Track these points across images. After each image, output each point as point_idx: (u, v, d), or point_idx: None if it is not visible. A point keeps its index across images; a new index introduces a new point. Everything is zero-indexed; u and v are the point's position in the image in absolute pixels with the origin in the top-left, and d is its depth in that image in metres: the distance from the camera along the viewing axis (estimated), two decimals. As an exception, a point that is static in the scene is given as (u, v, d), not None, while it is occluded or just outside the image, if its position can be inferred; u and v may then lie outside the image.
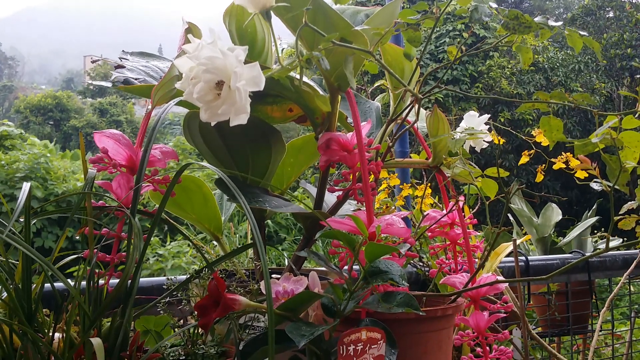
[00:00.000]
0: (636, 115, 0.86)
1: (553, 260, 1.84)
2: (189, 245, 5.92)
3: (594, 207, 2.80)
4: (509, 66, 12.12)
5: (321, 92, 0.99)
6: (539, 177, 1.30)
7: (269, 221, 7.10)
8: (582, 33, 0.90)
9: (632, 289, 2.13)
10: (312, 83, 0.99)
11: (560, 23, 0.91)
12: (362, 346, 0.77)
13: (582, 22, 13.64)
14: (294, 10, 0.86)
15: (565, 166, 1.30)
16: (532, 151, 1.29)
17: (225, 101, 0.74)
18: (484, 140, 1.12)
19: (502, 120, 10.96)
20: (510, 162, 10.94)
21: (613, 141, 0.83)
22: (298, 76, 0.86)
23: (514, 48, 0.96)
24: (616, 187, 0.90)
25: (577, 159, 1.08)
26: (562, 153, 1.35)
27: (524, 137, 1.31)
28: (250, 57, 0.84)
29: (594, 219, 2.63)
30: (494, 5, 0.94)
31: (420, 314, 0.79)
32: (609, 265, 1.94)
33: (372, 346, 0.78)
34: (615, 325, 2.57)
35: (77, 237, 0.87)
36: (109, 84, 1.06)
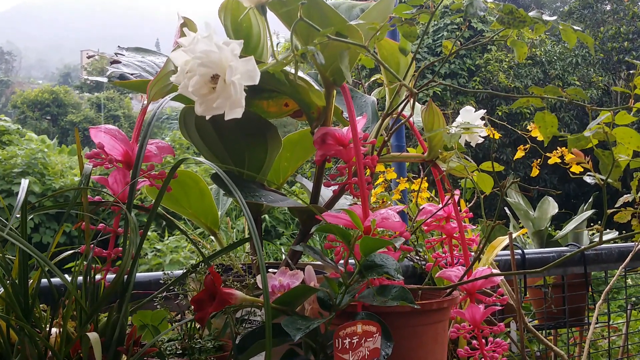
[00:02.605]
0: (631, 113, 0.87)
1: (549, 254, 1.84)
2: (187, 240, 5.92)
3: (590, 200, 2.80)
4: (507, 60, 12.11)
5: (317, 87, 0.99)
6: (534, 172, 1.30)
7: (267, 216, 7.11)
8: (576, 28, 0.90)
9: (629, 281, 2.13)
10: (307, 78, 1.00)
11: (554, 18, 0.91)
12: (357, 339, 0.78)
13: (580, 15, 13.64)
14: (288, 5, 0.86)
15: (560, 160, 1.31)
16: (528, 146, 1.30)
17: (221, 95, 0.74)
18: (479, 136, 1.13)
19: (500, 113, 10.96)
20: (507, 155, 10.95)
21: (606, 136, 0.83)
22: (293, 71, 0.86)
23: (508, 43, 0.96)
24: (609, 180, 0.90)
25: (571, 152, 1.08)
26: (558, 147, 1.35)
27: (520, 132, 1.31)
28: (246, 52, 0.84)
29: (589, 212, 2.63)
30: (489, -1, 0.95)
31: (415, 307, 0.80)
32: (604, 258, 1.94)
33: (368, 339, 0.79)
34: (612, 318, 2.58)
35: (76, 232, 0.87)
36: (105, 79, 1.07)
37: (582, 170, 1.18)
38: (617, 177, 0.88)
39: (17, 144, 9.44)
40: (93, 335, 0.67)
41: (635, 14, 12.60)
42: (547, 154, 1.32)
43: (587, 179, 1.00)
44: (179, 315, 1.13)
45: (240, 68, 0.75)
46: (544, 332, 2.09)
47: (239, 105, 0.74)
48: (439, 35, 12.05)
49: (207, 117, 0.78)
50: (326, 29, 0.82)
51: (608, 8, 13.38)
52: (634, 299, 2.59)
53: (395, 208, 0.93)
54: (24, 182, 0.77)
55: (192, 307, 0.79)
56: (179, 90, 0.78)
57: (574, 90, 0.86)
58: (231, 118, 0.76)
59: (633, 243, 1.93)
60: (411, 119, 1.09)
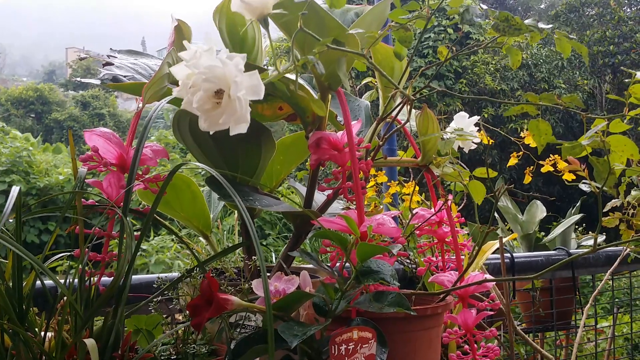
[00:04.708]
0: (625, 120, 0.87)
1: (538, 257, 1.85)
2: (172, 240, 5.90)
3: (577, 205, 2.82)
4: (493, 62, 12.17)
5: (311, 91, 0.99)
6: (527, 179, 1.31)
7: (253, 216, 7.08)
8: (571, 37, 0.91)
9: (613, 284, 2.15)
10: (302, 81, 0.99)
11: (550, 26, 0.91)
12: (353, 346, 0.78)
13: (566, 18, 13.72)
14: (288, 15, 0.86)
15: (553, 169, 1.32)
16: (521, 153, 1.30)
17: (225, 110, 0.74)
18: (472, 142, 1.13)
19: (486, 116, 11.00)
20: (494, 157, 10.99)
21: (603, 144, 0.83)
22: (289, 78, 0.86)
23: (503, 50, 0.96)
24: (604, 188, 0.91)
25: (566, 160, 1.09)
26: (551, 155, 1.36)
27: (512, 138, 1.32)
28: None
29: (577, 217, 2.65)
30: (485, 6, 0.95)
31: (412, 313, 0.80)
32: (592, 262, 1.96)
33: (364, 345, 0.79)
34: (597, 321, 2.60)
35: (61, 232, 0.86)
36: (98, 82, 1.06)
37: (574, 178, 1.19)
38: (612, 184, 0.89)
39: (2, 142, 9.36)
40: (90, 342, 0.67)
41: (621, 17, 12.70)
42: (541, 162, 1.33)
43: (583, 186, 1.01)
44: (169, 318, 1.12)
45: (245, 83, 0.74)
46: (531, 335, 2.10)
47: (244, 121, 0.74)
48: (426, 37, 12.08)
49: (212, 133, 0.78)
50: (324, 36, 0.82)
51: (593, 12, 13.46)
52: (617, 300, 2.61)
53: (390, 213, 0.94)
54: (14, 190, 0.76)
55: (187, 312, 0.79)
56: (182, 105, 0.78)
57: (569, 97, 0.87)
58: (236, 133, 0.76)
59: (620, 247, 1.94)
60: (406, 124, 1.09)
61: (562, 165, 1.26)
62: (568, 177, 1.23)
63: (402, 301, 0.79)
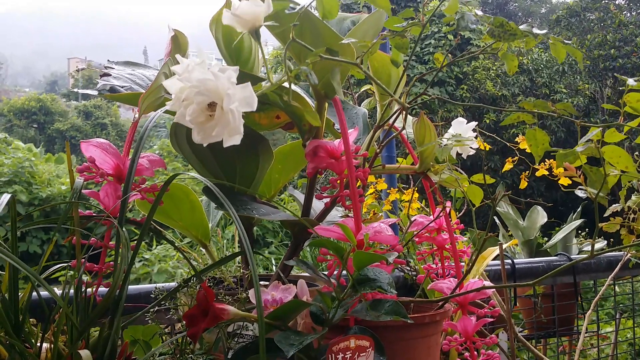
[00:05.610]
0: (623, 132, 0.86)
1: (539, 263, 1.85)
2: (175, 249, 5.89)
3: (578, 210, 2.81)
4: (494, 68, 12.17)
5: (307, 99, 0.99)
6: (523, 184, 1.31)
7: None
8: (565, 42, 0.91)
9: (617, 289, 2.14)
10: (299, 89, 0.99)
11: (545, 31, 0.91)
12: (350, 354, 0.78)
13: (567, 23, 13.73)
14: (283, 25, 0.86)
15: (548, 173, 1.31)
16: (516, 158, 1.30)
17: (219, 123, 0.74)
18: (470, 147, 1.13)
19: (488, 121, 11.00)
20: (495, 163, 10.98)
21: (598, 152, 0.83)
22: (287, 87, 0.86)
23: (499, 55, 0.96)
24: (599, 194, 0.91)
25: (563, 167, 1.09)
26: (546, 160, 1.35)
27: (508, 144, 1.31)
28: (237, 65, 0.84)
29: (578, 222, 2.65)
30: (480, 13, 0.95)
31: (409, 322, 0.80)
32: (594, 267, 1.95)
33: (361, 354, 0.79)
34: (600, 326, 2.59)
35: (62, 240, 0.86)
36: (95, 93, 1.06)
37: (570, 183, 1.19)
38: (605, 192, 0.89)
39: (4, 152, 9.38)
40: (85, 353, 0.67)
41: (622, 21, 12.70)
42: (535, 167, 1.33)
43: (579, 192, 1.01)
44: (169, 328, 1.12)
45: (237, 95, 0.74)
46: (533, 341, 2.09)
47: (237, 132, 0.74)
48: (427, 43, 12.10)
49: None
50: (319, 44, 0.82)
51: (594, 17, 13.46)
52: (621, 305, 2.60)
53: (387, 221, 0.93)
54: (5, 197, 0.76)
55: (184, 322, 0.79)
56: (175, 118, 0.78)
57: (562, 105, 0.86)
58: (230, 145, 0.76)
59: (621, 252, 1.94)
60: (403, 131, 1.09)
61: (557, 170, 1.26)
62: (564, 182, 1.23)
63: (398, 309, 0.79)
